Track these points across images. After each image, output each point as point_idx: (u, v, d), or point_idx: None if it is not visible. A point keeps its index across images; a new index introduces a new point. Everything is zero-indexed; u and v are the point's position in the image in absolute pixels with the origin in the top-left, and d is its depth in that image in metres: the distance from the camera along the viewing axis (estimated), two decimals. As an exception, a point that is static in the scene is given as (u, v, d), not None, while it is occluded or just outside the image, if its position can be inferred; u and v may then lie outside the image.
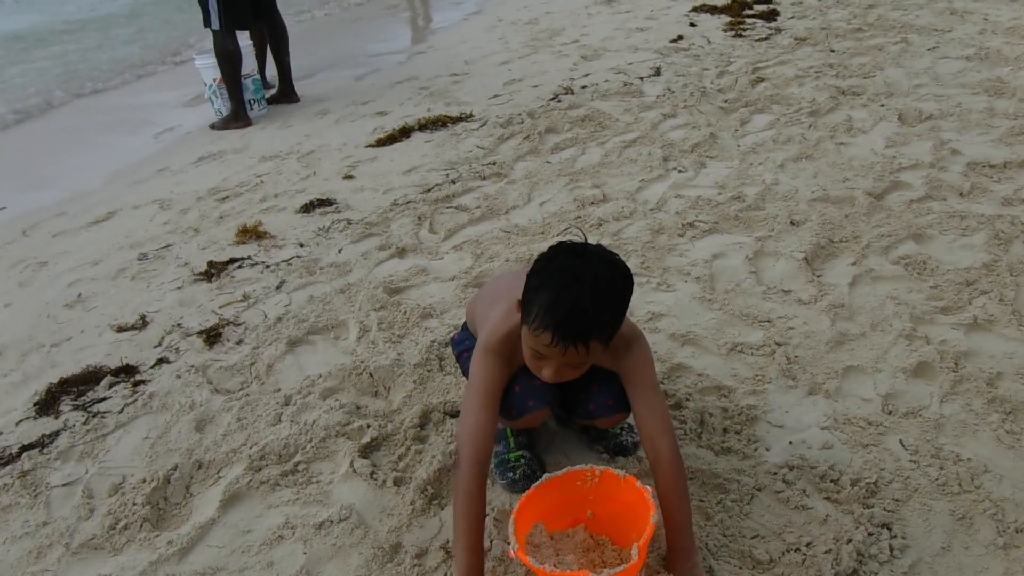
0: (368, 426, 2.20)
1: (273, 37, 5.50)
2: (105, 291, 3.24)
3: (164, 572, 1.83)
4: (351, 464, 2.06)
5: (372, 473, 2.03)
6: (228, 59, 5.03)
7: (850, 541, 1.72)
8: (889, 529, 1.77)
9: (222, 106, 5.36)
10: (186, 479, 2.13)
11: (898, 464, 1.95)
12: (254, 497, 2.03)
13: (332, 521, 1.90)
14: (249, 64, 5.35)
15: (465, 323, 2.09)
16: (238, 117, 5.22)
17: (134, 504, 2.04)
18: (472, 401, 1.71)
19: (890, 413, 2.13)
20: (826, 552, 1.70)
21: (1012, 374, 2.24)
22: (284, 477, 2.07)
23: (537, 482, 1.61)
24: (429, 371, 2.43)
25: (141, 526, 1.98)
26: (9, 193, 4.60)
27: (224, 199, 4.04)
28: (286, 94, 5.70)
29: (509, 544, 1.49)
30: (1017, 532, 1.76)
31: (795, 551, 1.72)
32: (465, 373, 2.01)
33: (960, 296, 2.60)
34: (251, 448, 2.18)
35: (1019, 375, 2.23)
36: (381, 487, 2.00)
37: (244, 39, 5.31)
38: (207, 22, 4.96)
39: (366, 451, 2.12)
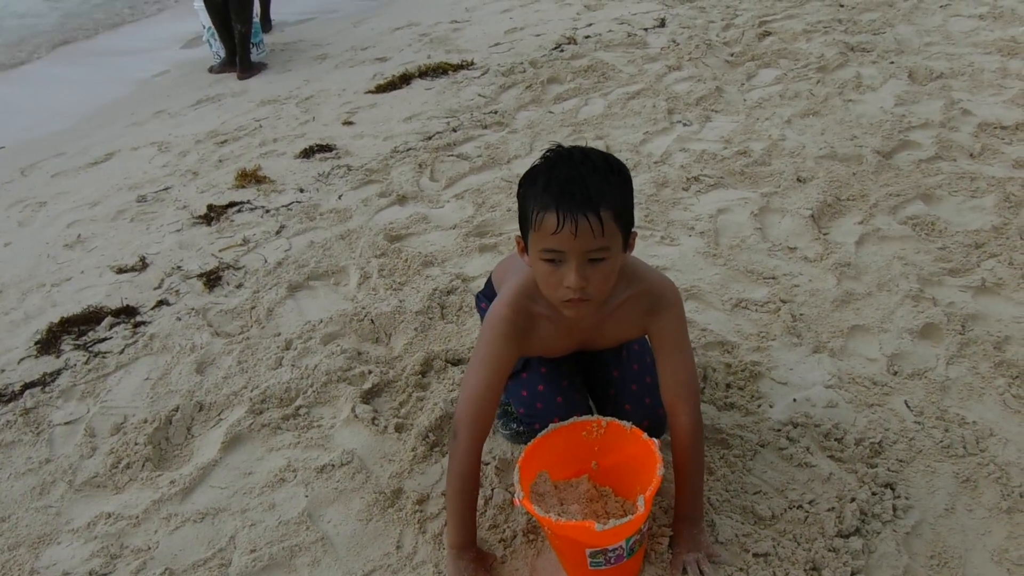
0: (369, 372, 2.19)
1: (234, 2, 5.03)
2: (104, 232, 3.19)
3: (166, 511, 1.83)
4: (352, 409, 2.05)
5: (374, 419, 2.03)
6: (214, 8, 4.89)
7: (853, 500, 1.72)
8: (893, 489, 1.77)
9: (220, 49, 5.23)
10: (187, 420, 2.12)
11: (903, 425, 1.95)
12: (255, 440, 2.02)
13: (333, 465, 1.90)
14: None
15: (490, 279, 2.01)
16: (232, 63, 5.08)
17: (136, 444, 2.04)
18: (478, 374, 1.58)
19: (895, 374, 2.13)
20: (829, 510, 1.71)
21: (1020, 338, 2.23)
22: (285, 421, 2.07)
23: (543, 431, 1.60)
24: (431, 319, 2.41)
25: (143, 465, 1.98)
26: (4, 132, 4.52)
27: (223, 143, 3.97)
28: (241, 66, 5.14)
29: (513, 493, 1.48)
30: (1021, 496, 1.76)
31: (797, 508, 1.73)
32: None
33: (968, 258, 2.58)
34: (252, 391, 2.18)
35: (1025, 340, 2.23)
36: (382, 433, 2.00)
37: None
38: None
39: (367, 397, 2.11)
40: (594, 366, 1.84)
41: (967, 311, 2.33)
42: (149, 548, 1.75)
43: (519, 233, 1.53)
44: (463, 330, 2.34)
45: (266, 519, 1.79)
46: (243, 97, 4.67)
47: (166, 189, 3.52)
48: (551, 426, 1.61)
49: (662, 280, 1.67)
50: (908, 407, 2.01)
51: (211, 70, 5.20)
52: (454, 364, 2.21)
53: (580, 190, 1.38)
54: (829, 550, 1.62)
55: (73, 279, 2.89)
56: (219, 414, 2.14)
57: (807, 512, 1.71)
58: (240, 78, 5.08)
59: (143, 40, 6.36)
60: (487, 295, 2.00)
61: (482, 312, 2.02)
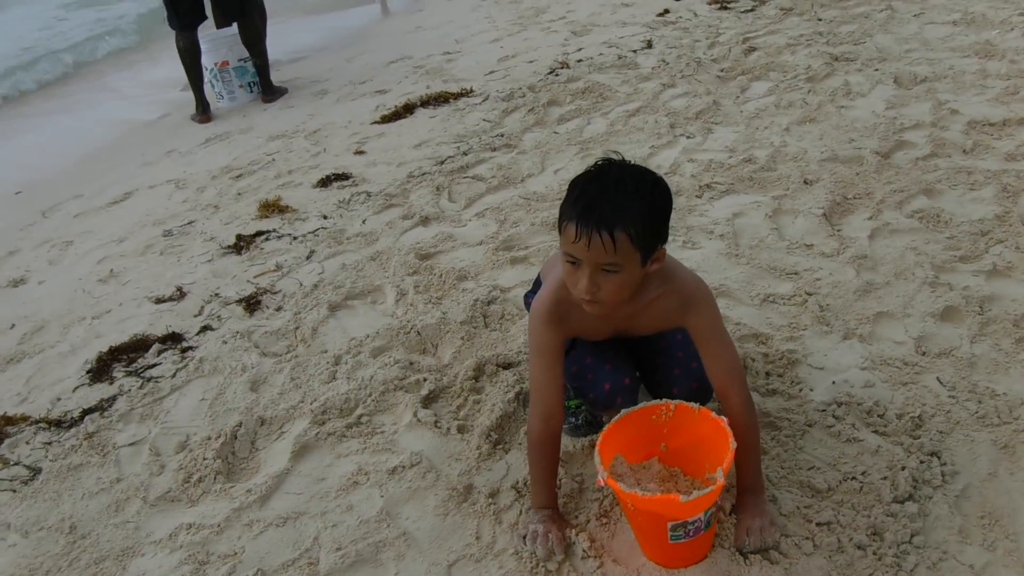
0: (424, 379, 2.27)
1: (245, 38, 5.28)
2: (136, 266, 3.27)
3: (247, 518, 1.90)
4: (415, 414, 2.13)
5: (435, 422, 2.11)
6: (181, 56, 5.03)
7: (904, 468, 1.83)
8: (939, 457, 1.88)
9: (222, 90, 5.34)
10: (251, 435, 2.19)
11: (938, 400, 2.07)
12: (323, 448, 2.10)
13: (404, 467, 1.98)
14: (240, 50, 5.30)
15: (538, 276, 2.12)
16: (197, 109, 5.17)
17: (204, 459, 2.10)
18: (536, 364, 1.75)
19: (924, 354, 2.25)
20: (882, 479, 1.81)
21: (1035, 315, 2.36)
22: (349, 429, 2.14)
23: (615, 416, 1.70)
24: (475, 328, 2.50)
25: (215, 479, 2.04)
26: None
27: (238, 177, 4.06)
28: (265, 91, 5.48)
29: (598, 474, 1.57)
30: (1058, 455, 1.88)
31: (852, 479, 1.83)
32: None
33: (976, 245, 2.72)
34: (312, 404, 2.25)
35: (1043, 315, 2.36)
36: (446, 435, 2.08)
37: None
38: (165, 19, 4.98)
39: (426, 402, 2.20)
40: (640, 351, 1.95)
41: (983, 293, 2.46)
42: (236, 553, 1.82)
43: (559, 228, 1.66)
44: (508, 336, 2.44)
45: (346, 519, 1.86)
46: (251, 133, 4.77)
47: (190, 223, 3.60)
48: (623, 411, 1.71)
49: (693, 279, 1.79)
50: (941, 383, 2.13)
51: (193, 118, 5.22)
52: (505, 368, 2.30)
53: (600, 210, 1.51)
54: (887, 515, 1.72)
55: (113, 311, 2.95)
56: (281, 427, 2.21)
57: (861, 483, 1.81)
58: (265, 101, 5.36)
59: (136, 85, 6.45)
60: (535, 292, 2.10)
61: (528, 306, 2.13)
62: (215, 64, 5.26)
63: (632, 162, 1.64)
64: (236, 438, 2.17)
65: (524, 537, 1.74)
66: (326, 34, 7.47)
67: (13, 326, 2.99)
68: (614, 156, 1.66)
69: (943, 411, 2.02)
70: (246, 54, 5.28)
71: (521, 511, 1.83)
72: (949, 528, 1.71)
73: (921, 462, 1.85)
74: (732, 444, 1.58)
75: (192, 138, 4.84)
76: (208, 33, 5.25)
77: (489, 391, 2.22)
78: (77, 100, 6.25)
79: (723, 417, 1.65)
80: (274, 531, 1.86)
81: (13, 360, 2.77)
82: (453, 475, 1.96)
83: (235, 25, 5.19)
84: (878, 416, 2.01)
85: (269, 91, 5.37)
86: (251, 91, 5.41)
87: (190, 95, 5.62)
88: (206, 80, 5.31)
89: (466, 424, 2.11)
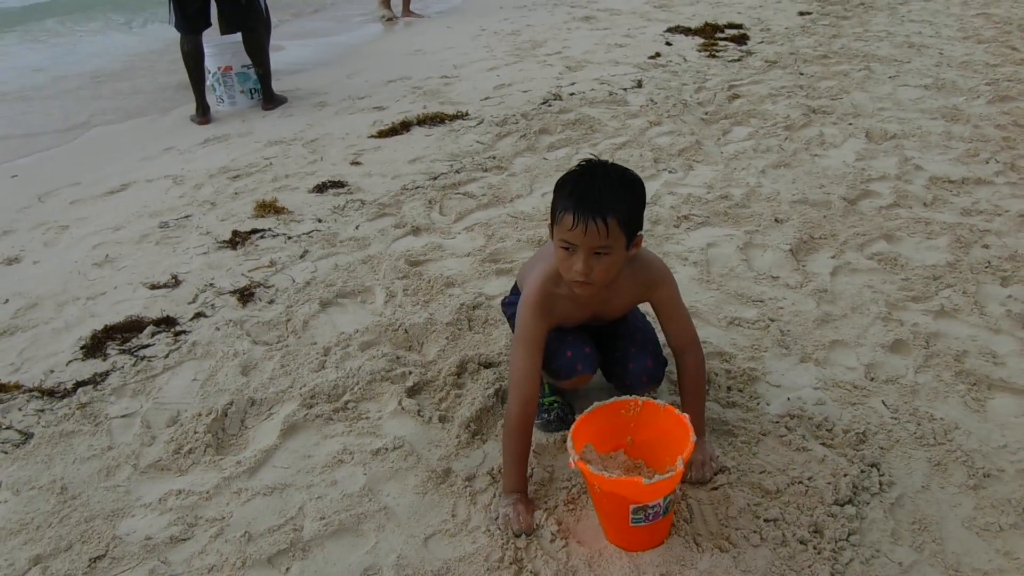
0: (409, 372, 2.41)
1: (249, 47, 5.39)
2: (131, 253, 3.37)
3: (236, 486, 2.01)
4: (399, 403, 2.27)
5: (419, 411, 2.25)
6: (184, 58, 5.18)
7: (846, 475, 2.00)
8: (878, 468, 2.05)
9: (223, 94, 5.48)
10: (241, 413, 2.30)
11: (881, 420, 2.25)
12: (310, 429, 2.22)
13: (387, 449, 2.11)
14: (243, 56, 5.45)
15: (515, 284, 2.32)
16: (197, 111, 5.30)
17: (195, 432, 2.21)
18: (519, 351, 1.94)
19: (872, 379, 2.43)
20: (826, 484, 1.98)
21: (976, 353, 2.56)
22: (336, 413, 2.27)
23: (588, 408, 1.85)
24: (460, 329, 2.65)
25: (204, 451, 2.16)
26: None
27: (236, 177, 4.19)
28: (265, 99, 5.60)
29: (569, 457, 1.72)
30: (985, 476, 2.05)
31: (798, 483, 1.99)
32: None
33: (928, 288, 2.93)
34: (300, 388, 2.38)
35: (982, 354, 2.56)
36: (428, 423, 2.22)
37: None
38: (169, 20, 5.13)
39: (410, 393, 2.33)
40: (604, 337, 2.18)
41: (930, 330, 2.66)
42: (223, 518, 1.93)
43: (550, 220, 1.89)
44: (491, 339, 2.59)
45: (330, 493, 1.99)
46: (249, 138, 4.91)
47: (187, 217, 3.72)
48: (595, 404, 1.86)
49: (655, 259, 2.09)
50: (885, 405, 2.31)
51: (192, 118, 5.34)
52: (486, 367, 2.44)
53: (593, 199, 1.76)
54: (828, 515, 1.89)
55: (107, 293, 3.05)
56: (270, 409, 2.33)
57: (807, 486, 1.98)
58: (265, 108, 5.50)
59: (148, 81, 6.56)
60: (512, 300, 2.28)
61: (507, 315, 2.31)
62: (218, 68, 5.40)
63: (610, 161, 1.89)
64: (227, 415, 2.28)
65: (496, 519, 1.88)
66: (327, 50, 7.66)
67: (7, 301, 3.07)
68: (593, 157, 1.87)
69: (885, 430, 2.20)
70: (249, 61, 5.44)
71: (495, 494, 1.96)
72: (883, 530, 1.87)
73: (862, 471, 2.02)
74: (692, 437, 1.73)
75: (191, 138, 4.97)
76: (213, 38, 5.40)
77: (470, 387, 2.36)
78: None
79: (685, 414, 1.81)
80: (261, 499, 1.98)
81: (6, 333, 2.85)
82: (433, 459, 2.09)
83: (239, 33, 5.35)
84: (826, 430, 2.18)
85: (269, 99, 5.52)
86: (252, 97, 5.56)
87: (188, 94, 5.76)
88: (208, 83, 5.45)
89: (447, 415, 2.25)
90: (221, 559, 1.81)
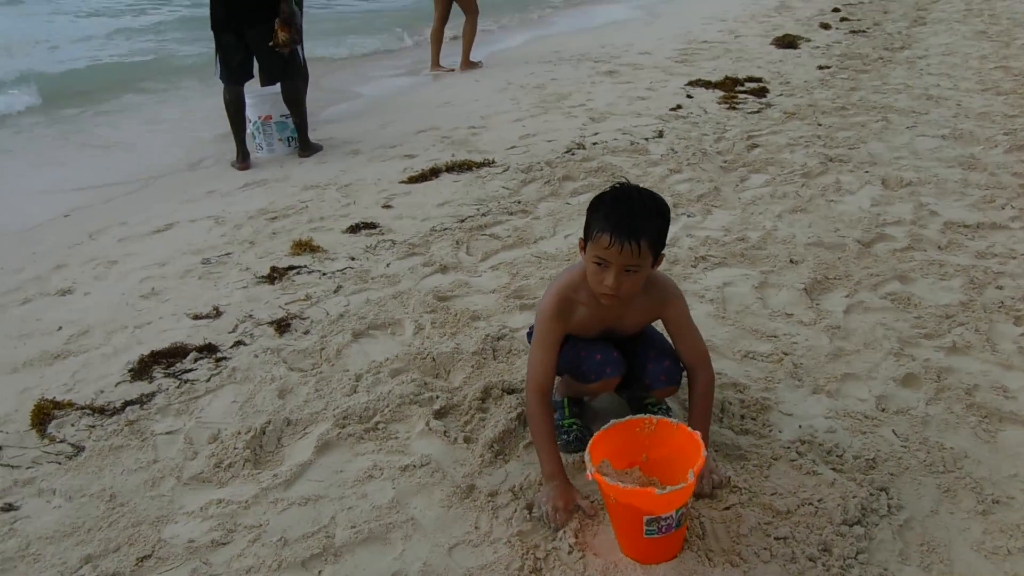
0: (436, 397, 2.54)
1: (287, 97, 5.66)
2: (176, 287, 3.56)
3: (272, 497, 2.14)
4: (427, 424, 2.39)
5: (445, 432, 2.37)
6: (227, 107, 5.48)
7: (855, 497, 2.07)
8: (887, 492, 2.13)
9: (263, 141, 5.76)
10: (278, 432, 2.44)
11: (891, 448, 2.33)
12: (343, 447, 2.35)
13: (414, 466, 2.23)
14: (282, 106, 5.75)
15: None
16: (237, 157, 5.58)
17: (235, 448, 2.35)
18: (537, 351, 2.14)
19: (883, 410, 2.51)
20: (835, 506, 2.05)
21: (986, 387, 2.63)
22: (367, 432, 2.40)
23: (605, 425, 1.96)
24: (485, 359, 2.78)
25: (243, 465, 2.29)
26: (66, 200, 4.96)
27: (273, 219, 4.40)
28: (302, 147, 5.84)
29: (586, 470, 1.83)
30: (993, 503, 2.12)
31: (808, 504, 2.07)
32: None
33: (940, 326, 3.01)
34: (334, 410, 2.51)
35: (992, 389, 2.63)
36: (453, 443, 2.33)
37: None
38: (215, 72, 5.44)
39: (437, 415, 2.46)
40: (623, 349, 2.31)
41: (941, 365, 2.74)
42: (260, 525, 2.05)
43: (582, 236, 2.08)
44: (514, 368, 2.71)
45: (361, 504, 2.10)
46: (287, 183, 5.15)
47: (227, 254, 3.91)
48: (612, 421, 1.97)
49: (666, 279, 2.27)
50: (895, 434, 2.39)
51: (232, 164, 5.60)
52: (509, 392, 2.56)
53: (629, 223, 1.95)
54: (837, 535, 1.96)
55: (153, 323, 3.23)
56: (305, 428, 2.46)
57: (816, 507, 2.05)
58: (301, 156, 5.75)
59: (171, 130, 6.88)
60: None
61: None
62: (259, 117, 5.69)
63: (640, 187, 2.08)
64: (264, 433, 2.42)
65: (532, 508, 2.05)
66: (360, 102, 7.99)
67: (60, 328, 3.26)
68: (624, 181, 2.09)
69: (895, 457, 2.27)
70: (287, 111, 5.72)
71: (516, 510, 2.07)
72: (891, 551, 1.94)
73: (871, 494, 2.10)
74: (704, 452, 1.83)
75: (231, 182, 5.22)
76: (255, 89, 5.70)
77: (494, 411, 2.48)
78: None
79: (697, 432, 1.91)
80: (296, 509, 2.10)
81: (60, 356, 3.03)
82: (458, 476, 2.20)
83: (279, 84, 5.65)
84: (837, 456, 2.26)
85: (306, 147, 5.79)
86: (289, 145, 5.83)
87: (229, 144, 6.05)
88: (248, 131, 5.73)
89: (472, 436, 2.37)
90: (258, 561, 1.93)
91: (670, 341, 2.30)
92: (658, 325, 2.35)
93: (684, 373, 2.29)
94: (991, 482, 2.20)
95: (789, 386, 2.64)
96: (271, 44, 5.30)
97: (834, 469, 2.22)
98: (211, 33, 5.40)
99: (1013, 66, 7.61)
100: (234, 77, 5.41)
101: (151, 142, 6.51)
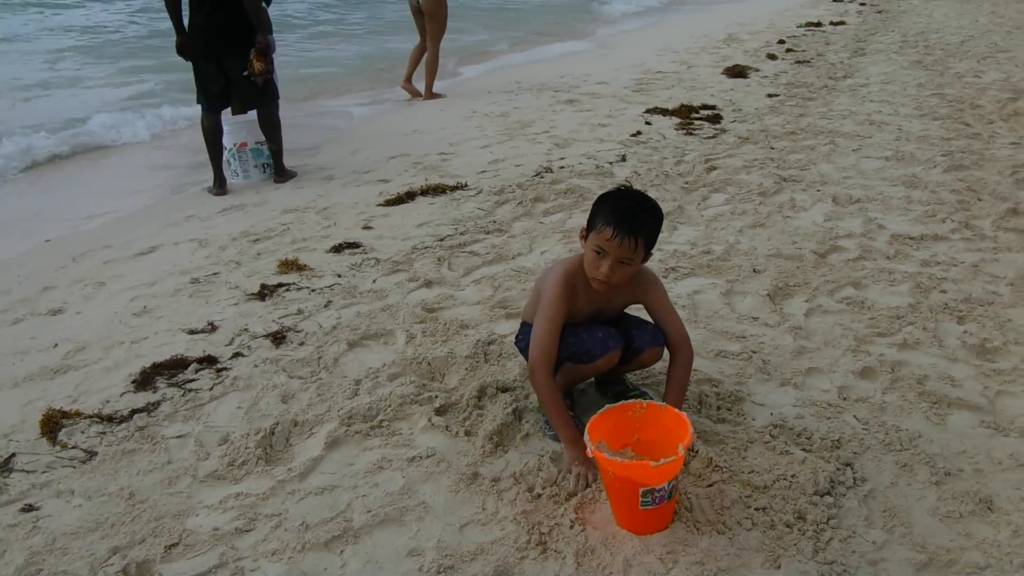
0: (435, 396, 2.70)
1: (264, 125, 5.81)
2: (167, 305, 3.67)
3: (289, 488, 2.27)
4: (429, 420, 2.55)
5: (447, 427, 2.53)
6: (204, 134, 5.62)
7: (824, 472, 2.29)
8: (852, 468, 2.36)
9: (238, 168, 5.88)
10: (286, 433, 2.57)
11: (854, 430, 2.56)
12: (350, 443, 2.49)
13: (421, 457, 2.39)
14: (258, 133, 5.88)
15: (524, 321, 2.65)
16: (214, 184, 5.69)
17: (246, 448, 2.48)
18: (543, 327, 2.35)
19: (844, 399, 2.76)
20: (807, 479, 2.27)
21: (935, 378, 2.90)
22: (372, 430, 2.55)
23: (600, 410, 2.15)
24: (477, 362, 2.95)
25: (256, 463, 2.42)
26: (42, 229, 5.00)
27: (256, 240, 4.53)
28: (277, 173, 5.99)
29: (587, 448, 2.02)
30: (946, 475, 2.36)
31: (783, 480, 2.28)
32: None
33: (892, 325, 3.29)
34: (338, 411, 2.65)
35: (941, 379, 2.89)
36: (455, 437, 2.50)
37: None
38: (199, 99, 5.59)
39: (438, 413, 2.62)
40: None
41: (894, 359, 3.01)
42: (280, 513, 2.18)
43: (584, 226, 2.34)
44: (506, 369, 2.89)
45: (374, 492, 2.25)
46: (265, 207, 5.27)
47: (215, 274, 4.03)
48: (606, 406, 2.16)
49: (647, 268, 2.53)
50: (857, 419, 2.63)
51: (209, 190, 5.69)
52: (503, 391, 2.74)
53: (632, 221, 2.19)
54: (810, 504, 2.18)
55: (149, 338, 3.33)
56: (311, 429, 2.60)
57: (790, 482, 2.27)
58: (277, 181, 5.88)
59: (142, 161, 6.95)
60: (525, 335, 2.60)
61: (522, 350, 2.63)
62: (234, 144, 5.81)
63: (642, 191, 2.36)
64: (273, 434, 2.55)
65: (562, 474, 2.27)
66: (327, 132, 8.14)
67: (56, 345, 3.34)
68: (628, 184, 2.29)
69: (857, 438, 2.51)
70: (263, 138, 5.86)
71: (519, 493, 2.24)
72: (858, 516, 2.17)
73: (838, 469, 2.32)
74: (691, 430, 2.04)
75: (210, 207, 5.32)
76: (229, 116, 5.82)
77: (490, 407, 2.65)
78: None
79: (684, 412, 2.12)
80: (313, 498, 2.24)
81: (60, 371, 3.12)
82: (462, 465, 2.36)
83: (254, 112, 5.79)
84: (806, 438, 2.49)
85: (281, 173, 5.93)
86: (264, 172, 5.95)
87: (206, 171, 6.16)
88: (224, 158, 5.85)
89: (472, 430, 2.54)
90: (282, 544, 2.06)
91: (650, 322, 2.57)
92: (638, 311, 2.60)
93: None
94: (943, 457, 2.44)
95: (759, 380, 2.87)
96: (246, 74, 5.45)
97: (804, 449, 2.44)
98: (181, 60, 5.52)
99: (947, 93, 8.14)
100: (212, 104, 5.54)
101: (127, 168, 6.58)
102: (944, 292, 3.61)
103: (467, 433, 2.51)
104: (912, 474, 2.37)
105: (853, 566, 2.00)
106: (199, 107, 5.62)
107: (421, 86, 9.39)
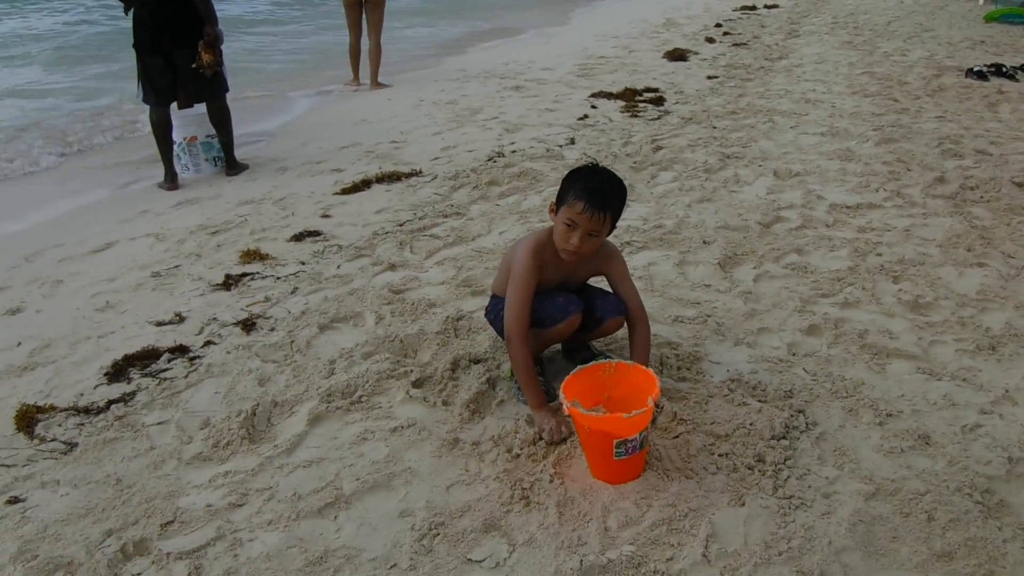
0: (411, 371, 2.80)
1: (214, 118, 5.78)
2: (131, 299, 3.67)
3: (277, 463, 2.35)
4: (407, 393, 2.65)
5: (424, 398, 2.64)
6: (154, 129, 5.56)
7: (779, 419, 2.48)
8: (804, 414, 2.55)
9: (189, 162, 5.84)
10: (267, 413, 2.64)
11: (804, 382, 2.76)
12: (332, 418, 2.58)
13: (402, 427, 2.49)
14: (208, 127, 5.85)
15: (494, 294, 2.77)
16: (165, 178, 5.64)
17: (229, 429, 2.54)
18: (516, 295, 2.49)
19: (794, 354, 2.95)
20: (764, 426, 2.45)
21: (875, 332, 3.12)
22: (352, 405, 2.64)
23: (573, 370, 2.29)
24: (448, 337, 3.06)
25: (240, 443, 2.49)
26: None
27: (215, 233, 4.54)
28: (228, 166, 5.97)
29: (562, 405, 2.15)
30: (887, 416, 2.57)
31: (743, 428, 2.46)
32: (500, 334, 2.69)
33: (834, 287, 3.51)
34: (317, 390, 2.73)
35: (880, 332, 3.12)
36: (433, 407, 2.61)
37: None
38: (137, 95, 5.52)
39: (415, 386, 2.72)
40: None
41: (837, 317, 3.22)
42: (271, 487, 2.26)
43: (554, 201, 2.48)
44: (476, 342, 3.01)
45: (360, 461, 2.35)
46: (220, 200, 5.26)
47: (176, 267, 4.04)
48: (578, 367, 2.30)
49: (610, 242, 2.70)
50: (806, 371, 2.82)
51: (160, 185, 5.64)
52: (476, 363, 2.85)
53: (600, 197, 2.33)
54: (768, 447, 2.36)
55: (116, 332, 3.35)
56: (292, 408, 2.67)
57: (749, 429, 2.44)
58: (229, 174, 5.84)
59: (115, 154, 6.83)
60: (494, 307, 2.73)
61: (491, 322, 2.75)
62: (184, 139, 5.76)
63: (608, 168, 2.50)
64: (255, 415, 2.61)
65: (540, 432, 2.38)
66: (274, 123, 8.09)
67: (20, 344, 3.32)
68: (595, 162, 2.50)
69: (807, 388, 2.70)
70: (213, 131, 5.83)
71: (499, 454, 2.36)
72: (811, 456, 2.35)
73: (791, 416, 2.51)
74: (658, 383, 2.19)
75: (163, 202, 5.28)
76: (177, 110, 5.77)
77: (464, 378, 2.76)
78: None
79: (650, 369, 2.27)
80: (302, 471, 2.32)
81: (27, 368, 3.11)
82: (442, 432, 2.48)
83: (204, 105, 5.75)
84: (761, 390, 2.67)
85: (232, 166, 5.90)
86: (216, 165, 5.92)
87: (153, 168, 6.09)
88: (174, 152, 5.80)
89: (449, 400, 2.65)
90: (277, 515, 2.15)
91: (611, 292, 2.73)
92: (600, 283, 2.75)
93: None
94: (884, 401, 2.65)
95: (715, 341, 3.05)
96: (194, 66, 5.42)
97: (760, 400, 2.62)
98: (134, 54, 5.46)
99: (877, 71, 8.51)
100: (161, 99, 5.49)
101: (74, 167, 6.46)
102: (880, 255, 3.85)
103: (444, 403, 2.62)
104: (858, 417, 2.57)
105: (809, 499, 2.18)
106: (141, 104, 5.55)
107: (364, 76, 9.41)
